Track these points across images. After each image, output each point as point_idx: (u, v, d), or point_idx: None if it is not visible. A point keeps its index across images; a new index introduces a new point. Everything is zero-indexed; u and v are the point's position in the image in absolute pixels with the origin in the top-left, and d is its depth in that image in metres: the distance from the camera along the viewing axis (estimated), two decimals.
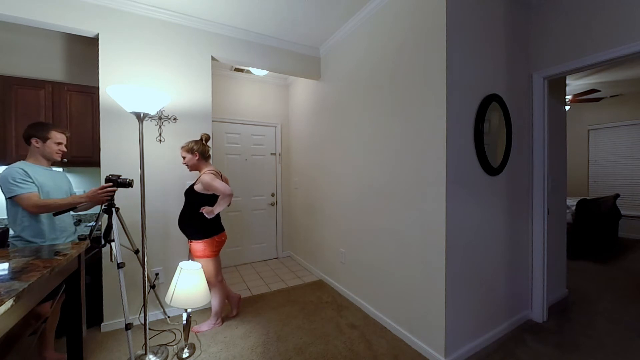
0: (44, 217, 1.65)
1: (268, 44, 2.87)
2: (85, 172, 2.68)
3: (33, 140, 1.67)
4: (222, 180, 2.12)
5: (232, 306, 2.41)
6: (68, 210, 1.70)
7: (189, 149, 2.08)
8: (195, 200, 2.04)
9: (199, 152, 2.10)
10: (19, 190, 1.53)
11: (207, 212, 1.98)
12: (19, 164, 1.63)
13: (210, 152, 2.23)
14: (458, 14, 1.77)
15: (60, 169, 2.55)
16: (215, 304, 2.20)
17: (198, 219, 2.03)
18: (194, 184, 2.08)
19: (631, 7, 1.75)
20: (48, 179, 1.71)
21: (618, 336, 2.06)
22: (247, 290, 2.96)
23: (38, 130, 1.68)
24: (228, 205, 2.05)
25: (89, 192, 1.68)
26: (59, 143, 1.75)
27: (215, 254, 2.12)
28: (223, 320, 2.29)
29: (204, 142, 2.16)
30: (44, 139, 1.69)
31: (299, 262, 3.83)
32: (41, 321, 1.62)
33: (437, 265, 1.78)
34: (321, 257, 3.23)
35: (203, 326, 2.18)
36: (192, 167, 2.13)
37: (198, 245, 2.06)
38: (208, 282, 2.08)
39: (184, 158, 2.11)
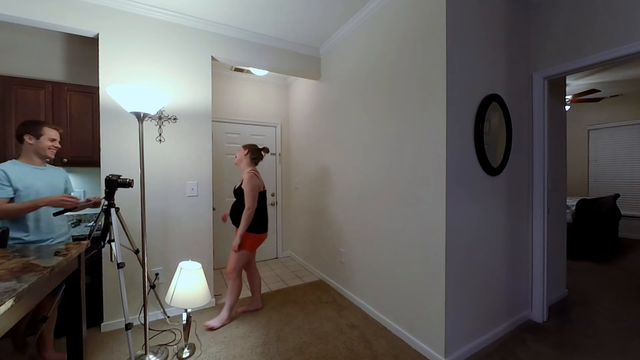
0: (29, 215, 1.61)
1: (268, 44, 2.87)
2: (85, 172, 2.67)
3: (26, 137, 1.64)
4: (259, 180, 2.31)
5: (253, 293, 2.52)
6: (67, 211, 1.70)
7: (245, 146, 2.39)
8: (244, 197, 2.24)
9: (250, 150, 2.36)
10: None
11: (234, 245, 2.20)
12: (5, 165, 1.59)
13: (260, 162, 2.45)
14: (458, 14, 1.77)
15: (62, 169, 2.56)
16: (229, 297, 2.28)
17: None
18: (240, 185, 2.29)
19: (631, 7, 1.75)
20: (38, 179, 1.67)
21: (618, 336, 2.06)
22: (247, 290, 2.95)
23: (31, 127, 1.65)
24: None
25: (53, 197, 1.61)
26: (53, 139, 1.72)
27: (247, 249, 2.25)
28: (232, 319, 2.32)
29: (262, 151, 2.43)
30: (37, 136, 1.66)
31: (299, 262, 3.83)
32: (40, 321, 1.62)
33: (437, 265, 1.78)
34: (321, 257, 3.23)
35: (214, 322, 2.20)
36: (238, 161, 2.39)
37: (245, 237, 2.21)
38: (230, 272, 2.24)
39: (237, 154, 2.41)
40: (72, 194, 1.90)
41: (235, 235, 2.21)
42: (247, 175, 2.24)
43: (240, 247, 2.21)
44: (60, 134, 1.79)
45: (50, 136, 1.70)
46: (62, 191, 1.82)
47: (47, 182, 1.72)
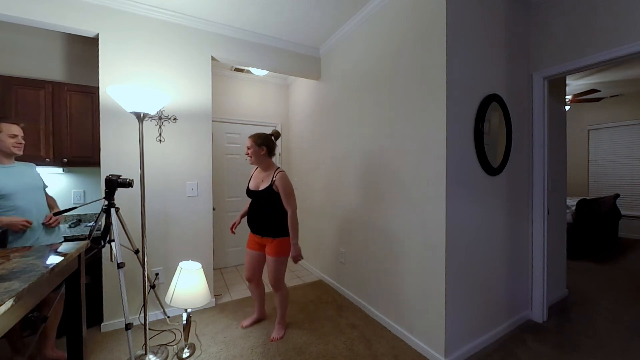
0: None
1: (268, 44, 2.87)
2: (85, 172, 2.68)
3: None
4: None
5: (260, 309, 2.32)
6: (67, 211, 1.70)
7: (259, 141, 1.99)
8: (278, 199, 1.99)
9: (267, 146, 2.01)
10: None
11: (297, 255, 1.97)
12: None
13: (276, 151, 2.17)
14: (458, 14, 1.77)
15: (61, 169, 2.56)
16: (284, 305, 2.12)
17: (281, 215, 2.00)
18: (270, 185, 1.97)
19: (631, 7, 1.75)
20: (9, 178, 1.59)
21: (618, 336, 2.06)
22: (247, 290, 2.95)
23: None
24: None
25: (14, 219, 1.55)
26: (14, 135, 1.61)
27: (287, 253, 2.04)
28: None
29: (273, 138, 2.07)
30: None
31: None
32: (41, 320, 1.62)
33: (437, 265, 1.78)
34: (321, 257, 3.23)
35: (279, 333, 2.08)
36: (255, 161, 2.03)
37: (285, 242, 2.00)
38: (277, 283, 2.03)
39: (248, 148, 2.01)
40: (47, 189, 1.85)
41: (289, 243, 1.98)
42: (280, 176, 1.96)
43: (284, 252, 2.00)
44: (22, 128, 1.68)
45: (11, 132, 1.60)
46: (39, 188, 1.75)
47: (21, 180, 1.64)
